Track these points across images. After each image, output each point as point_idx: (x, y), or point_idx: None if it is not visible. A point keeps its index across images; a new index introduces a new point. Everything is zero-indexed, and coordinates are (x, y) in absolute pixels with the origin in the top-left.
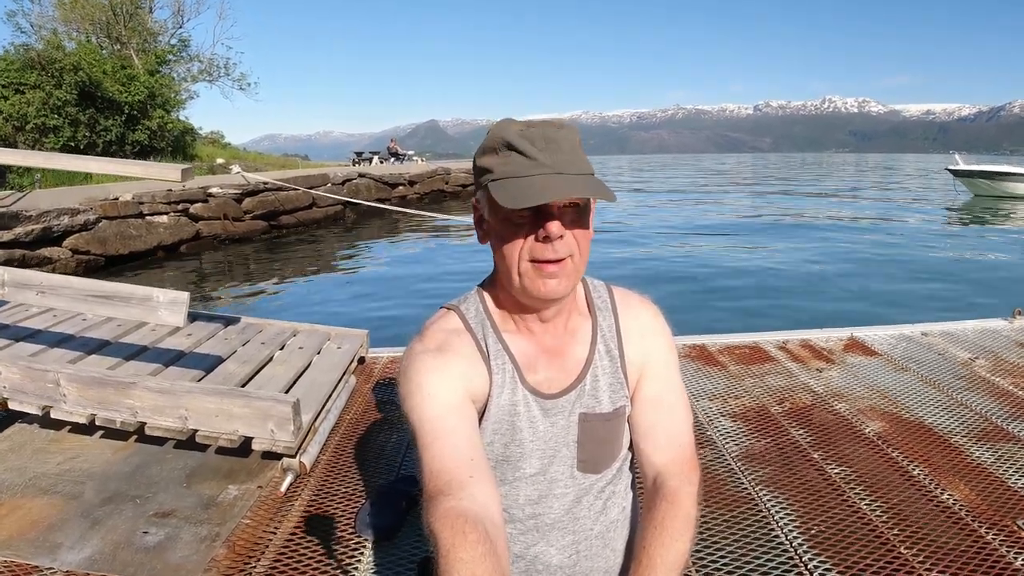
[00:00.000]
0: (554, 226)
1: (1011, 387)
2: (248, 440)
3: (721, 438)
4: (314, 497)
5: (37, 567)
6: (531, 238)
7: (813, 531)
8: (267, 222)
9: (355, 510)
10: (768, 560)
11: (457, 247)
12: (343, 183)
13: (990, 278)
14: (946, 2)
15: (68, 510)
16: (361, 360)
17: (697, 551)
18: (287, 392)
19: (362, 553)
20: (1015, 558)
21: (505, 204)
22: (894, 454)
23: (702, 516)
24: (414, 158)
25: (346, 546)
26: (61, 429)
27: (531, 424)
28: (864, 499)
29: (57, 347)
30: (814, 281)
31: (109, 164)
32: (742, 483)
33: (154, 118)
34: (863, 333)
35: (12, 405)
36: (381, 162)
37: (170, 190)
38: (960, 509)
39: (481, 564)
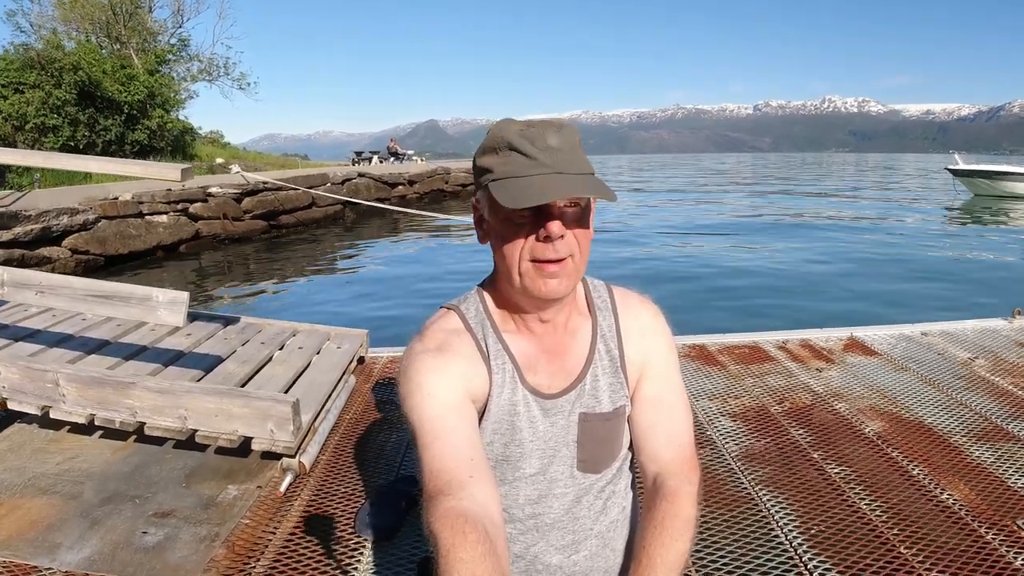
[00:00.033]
0: (555, 226)
1: (1011, 387)
2: (248, 440)
3: (721, 438)
4: (314, 497)
5: (36, 567)
6: (532, 238)
7: (813, 531)
8: (267, 222)
9: (355, 510)
10: (768, 560)
11: (457, 247)
12: (343, 183)
13: (990, 278)
14: (946, 2)
15: (67, 510)
16: (361, 360)
17: (697, 551)
18: (287, 392)
19: (362, 553)
20: (1015, 558)
21: (506, 204)
22: (894, 454)
23: (702, 516)
24: (414, 158)
25: (346, 546)
26: (60, 429)
27: (531, 424)
28: (864, 499)
29: (56, 347)
30: (814, 281)
31: (109, 164)
32: (742, 483)
33: (154, 118)
34: (863, 333)
35: (11, 405)
36: (381, 162)
37: (169, 190)
38: (960, 509)
39: (481, 564)
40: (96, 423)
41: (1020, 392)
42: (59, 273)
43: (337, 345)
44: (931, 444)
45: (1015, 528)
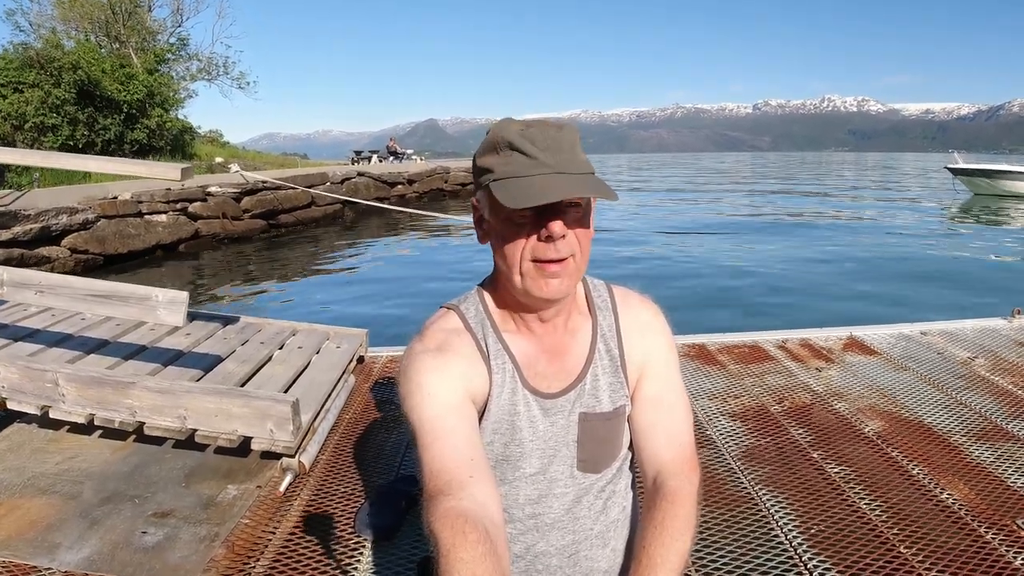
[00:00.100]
0: (556, 226)
1: (1010, 386)
2: (247, 440)
3: (721, 437)
4: (313, 497)
5: (36, 567)
6: (533, 238)
7: (813, 530)
8: (266, 221)
9: (354, 510)
10: (768, 560)
11: (456, 246)
12: (342, 182)
13: (989, 277)
14: (946, 1)
15: (67, 510)
16: (360, 359)
17: (697, 551)
18: (286, 392)
19: (361, 553)
20: (1015, 557)
21: (507, 204)
22: (893, 453)
23: (702, 516)
24: (413, 157)
25: (345, 546)
26: (60, 429)
27: (531, 424)
28: (864, 498)
29: (56, 347)
30: (813, 280)
31: (108, 163)
32: (742, 482)
33: (153, 117)
34: (862, 332)
35: (11, 405)
36: (380, 161)
37: (169, 189)
38: (960, 508)
39: (481, 564)
40: (95, 423)
41: (1020, 392)
42: (58, 272)
43: (337, 345)
44: (931, 444)
45: (1015, 528)
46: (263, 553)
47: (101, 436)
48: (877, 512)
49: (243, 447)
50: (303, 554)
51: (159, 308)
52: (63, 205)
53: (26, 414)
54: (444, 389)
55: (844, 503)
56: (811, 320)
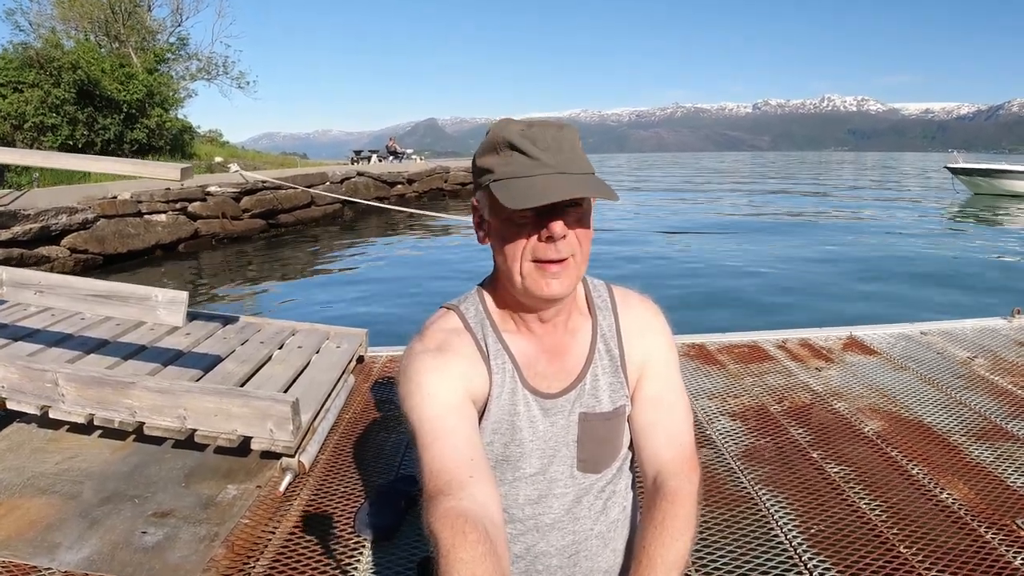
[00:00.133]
0: (557, 226)
1: (1010, 386)
2: (247, 440)
3: (720, 437)
4: (313, 497)
5: (35, 567)
6: (534, 238)
7: (812, 530)
8: (266, 221)
9: (354, 510)
10: (768, 560)
11: (456, 246)
12: (342, 182)
13: (989, 276)
14: (945, 1)
15: (66, 510)
16: (360, 359)
17: (697, 551)
18: (286, 391)
19: (361, 553)
20: (1014, 557)
21: (508, 204)
22: (893, 453)
23: (702, 516)
24: (413, 156)
25: (345, 546)
26: (59, 429)
27: (531, 424)
28: (863, 498)
29: (55, 346)
30: (812, 280)
31: (108, 163)
32: (741, 482)
33: (152, 116)
34: (862, 332)
35: (10, 405)
36: (380, 160)
37: (168, 189)
38: (959, 508)
39: (481, 564)
40: (95, 423)
41: (1020, 391)
42: (58, 272)
43: (336, 344)
44: (930, 443)
45: (1015, 528)
46: (263, 553)
47: (101, 436)
48: (877, 512)
49: (243, 447)
50: (303, 554)
51: (159, 308)
52: (63, 205)
53: (26, 414)
54: (444, 389)
55: (844, 503)
56: (811, 320)
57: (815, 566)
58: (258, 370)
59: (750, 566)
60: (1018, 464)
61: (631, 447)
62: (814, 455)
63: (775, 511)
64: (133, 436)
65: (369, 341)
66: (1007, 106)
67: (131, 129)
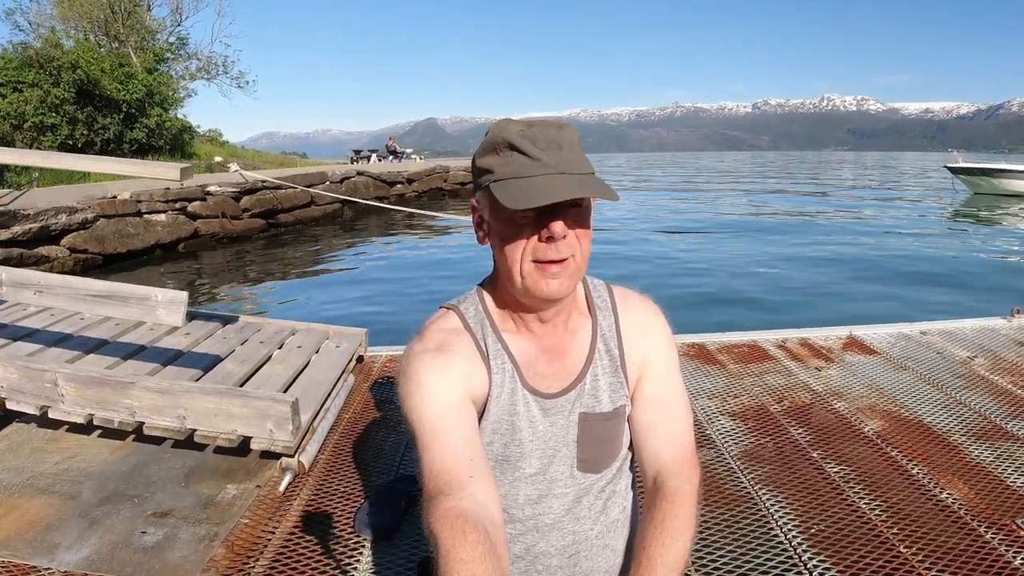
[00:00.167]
0: (558, 226)
1: (1010, 386)
2: (247, 439)
3: (720, 437)
4: (313, 496)
5: (35, 567)
6: (534, 238)
7: (812, 530)
8: (265, 220)
9: (354, 509)
10: (767, 559)
11: (455, 246)
12: (341, 181)
13: (989, 276)
14: (945, 1)
15: (66, 510)
16: (360, 359)
17: (697, 551)
18: (286, 391)
19: (361, 553)
20: (1014, 557)
21: (508, 205)
22: (893, 453)
23: (701, 516)
24: (412, 156)
25: (345, 546)
26: (59, 429)
27: (531, 424)
28: (863, 498)
29: (55, 346)
30: (812, 279)
31: (107, 163)
32: (741, 482)
33: (152, 116)
34: (862, 332)
35: (10, 405)
36: (379, 160)
37: (168, 189)
38: (959, 508)
39: (481, 564)
40: (95, 423)
41: (1019, 391)
42: (57, 272)
43: (336, 344)
44: (930, 443)
45: (1014, 527)
46: (263, 553)
47: (100, 436)
48: (877, 512)
49: (242, 447)
50: (303, 554)
51: (158, 308)
52: (62, 204)
53: (25, 414)
54: (444, 389)
55: (844, 503)
56: (811, 319)
57: (815, 566)
58: (258, 370)
59: (750, 566)
60: (1018, 464)
61: (631, 447)
62: (814, 455)
63: (775, 511)
64: (133, 436)
65: (369, 341)
66: (1007, 106)
67: (131, 129)
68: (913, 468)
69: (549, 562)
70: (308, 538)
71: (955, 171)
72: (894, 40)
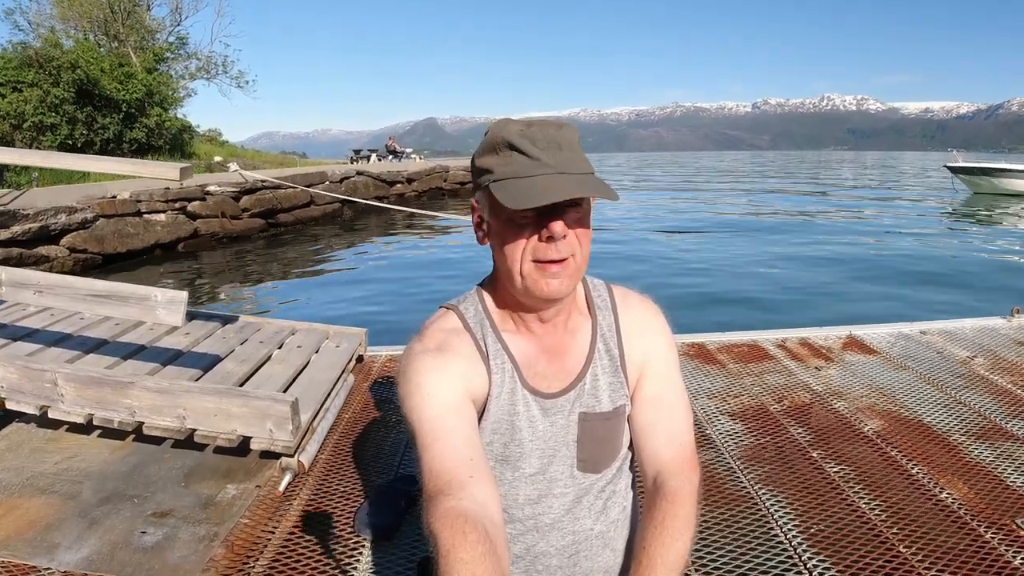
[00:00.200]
0: (557, 226)
1: (1010, 385)
2: (246, 439)
3: (720, 437)
4: (313, 496)
5: (35, 567)
6: (534, 238)
7: (812, 530)
8: (265, 220)
9: (354, 509)
10: (767, 559)
11: (455, 245)
12: (341, 181)
13: (989, 276)
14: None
15: (66, 510)
16: (360, 359)
17: (697, 550)
18: (285, 391)
19: (361, 553)
20: (1014, 557)
21: (508, 205)
22: (893, 453)
23: (701, 515)
24: (412, 156)
25: (345, 545)
26: (59, 428)
27: (530, 424)
28: (863, 498)
29: (55, 346)
30: (812, 279)
31: (107, 163)
32: (741, 482)
33: (152, 116)
34: (862, 331)
35: (9, 405)
36: (379, 160)
37: (168, 188)
38: (959, 508)
39: (481, 564)
40: (94, 423)
41: (1019, 391)
42: (57, 272)
43: (336, 344)
44: (930, 443)
45: (1014, 527)
46: (262, 553)
47: (100, 436)
48: (876, 511)
49: (242, 447)
50: (302, 554)
51: (158, 308)
52: (62, 204)
53: (25, 414)
54: (444, 389)
55: (843, 502)
56: (810, 319)
57: (815, 566)
58: (257, 370)
59: (750, 566)
60: (1018, 464)
61: (631, 447)
62: (814, 455)
63: (775, 511)
64: (132, 436)
65: (368, 340)
66: (1006, 105)
67: (130, 128)
68: (913, 468)
69: (549, 562)
70: (308, 538)
71: (955, 170)
72: (894, 40)
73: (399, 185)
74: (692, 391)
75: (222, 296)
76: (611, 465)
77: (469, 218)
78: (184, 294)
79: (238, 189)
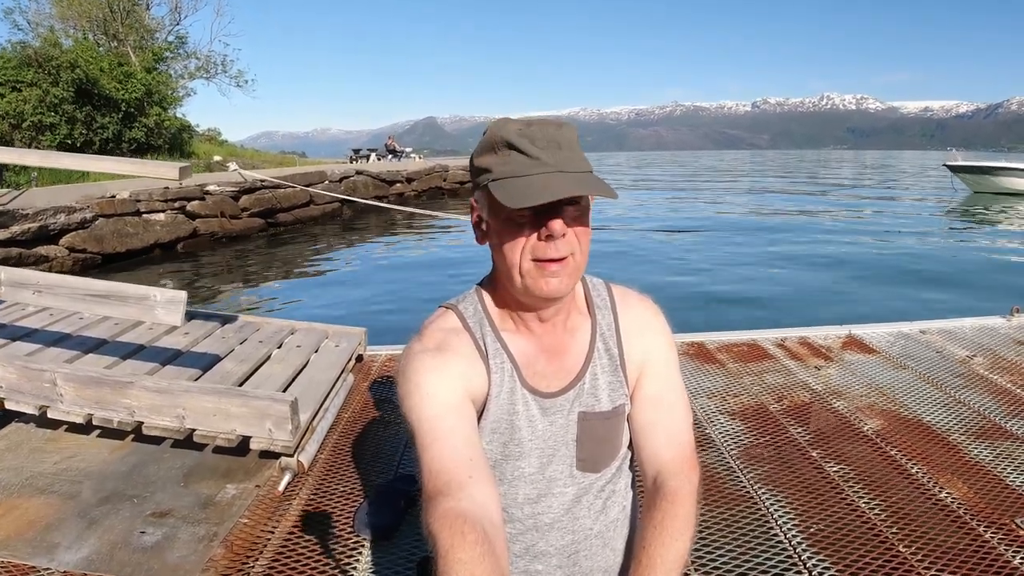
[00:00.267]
0: (557, 224)
1: (1009, 385)
2: (246, 439)
3: (720, 436)
4: (312, 496)
5: (34, 567)
6: (533, 237)
7: (812, 529)
8: (264, 220)
9: (353, 509)
10: (767, 559)
11: (454, 245)
12: (340, 180)
13: (988, 275)
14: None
15: (65, 510)
16: (359, 358)
17: (696, 550)
18: (285, 391)
19: (360, 552)
20: (1013, 556)
21: (507, 204)
22: (892, 452)
23: (701, 515)
24: (412, 155)
25: (344, 545)
26: (58, 428)
27: (530, 423)
28: (863, 497)
29: (54, 346)
30: (812, 278)
31: (106, 162)
32: (741, 482)
33: (151, 115)
34: (861, 331)
35: (9, 405)
36: (379, 159)
37: (167, 188)
38: (959, 507)
39: (480, 565)
40: (94, 422)
41: (1019, 390)
42: (56, 272)
43: (335, 343)
44: (930, 442)
45: (1014, 527)
46: (262, 552)
47: (99, 436)
48: (876, 511)
49: (242, 446)
50: (302, 553)
51: (157, 307)
52: (61, 204)
53: (24, 414)
54: (443, 389)
55: (843, 502)
56: (810, 318)
57: (814, 565)
58: (257, 369)
59: (749, 565)
60: (1017, 463)
61: (630, 446)
62: (813, 454)
63: (774, 510)
64: (132, 436)
65: (368, 340)
66: (1006, 104)
67: (129, 128)
68: (912, 467)
69: (548, 561)
70: (307, 538)
71: (954, 169)
72: (893, 39)
73: (398, 184)
74: (692, 391)
75: (221, 296)
76: (610, 464)
77: (468, 217)
78: (183, 294)
79: (237, 189)
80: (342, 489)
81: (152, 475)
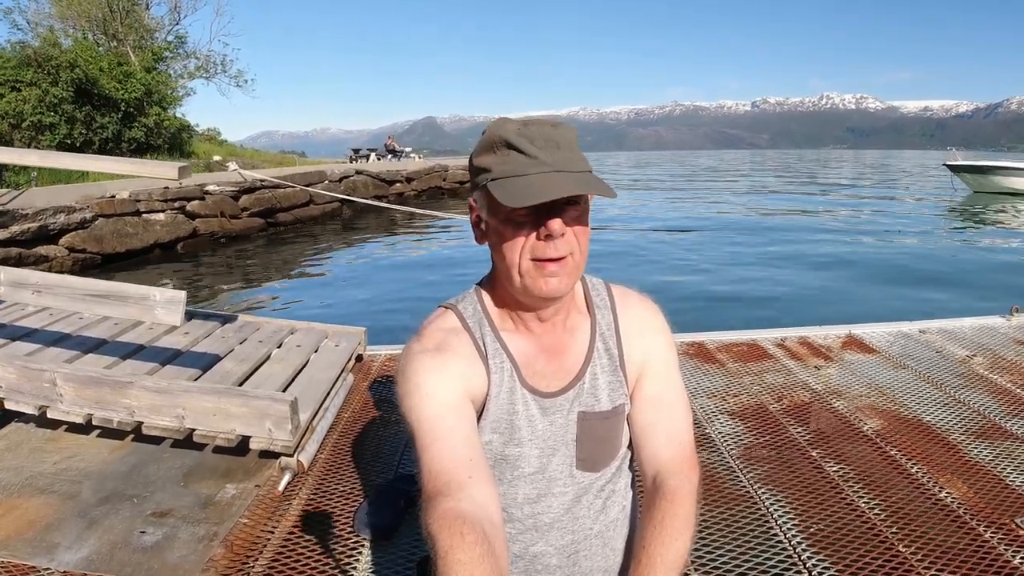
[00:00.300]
0: (556, 224)
1: (1009, 384)
2: (246, 439)
3: (720, 436)
4: (312, 496)
5: (34, 567)
6: (532, 237)
7: (812, 529)
8: (264, 220)
9: (353, 509)
10: (767, 559)
11: (454, 245)
12: (340, 180)
13: (988, 274)
14: None
15: (65, 510)
16: (359, 358)
17: (696, 550)
18: (284, 390)
19: (360, 552)
20: (1013, 556)
21: (506, 203)
22: (892, 452)
23: (701, 515)
24: (411, 155)
25: (344, 545)
26: (58, 428)
27: (529, 423)
28: (863, 497)
29: (53, 346)
30: (812, 278)
31: (106, 162)
32: (741, 481)
33: (151, 115)
34: (861, 330)
35: (8, 404)
36: (378, 159)
37: (167, 188)
38: (958, 507)
39: (479, 565)
40: (94, 422)
41: (1018, 390)
42: (56, 272)
43: (335, 343)
44: (929, 442)
45: (1013, 527)
46: (262, 552)
47: (99, 436)
48: (876, 511)
49: (241, 446)
50: (302, 553)
51: (157, 307)
52: (61, 204)
53: (24, 414)
54: (443, 389)
55: (843, 502)
56: (810, 318)
57: (814, 565)
58: (256, 369)
59: (749, 565)
60: (1017, 463)
61: (630, 446)
62: (813, 454)
63: (774, 510)
64: (131, 436)
65: (368, 340)
66: (1006, 104)
67: (129, 128)
68: (912, 467)
69: (548, 561)
70: (307, 538)
71: (954, 169)
72: (893, 38)
73: (398, 184)
74: (692, 390)
75: (221, 296)
76: (610, 464)
77: (468, 217)
78: (183, 294)
79: (237, 188)
80: (342, 489)
81: (152, 475)
